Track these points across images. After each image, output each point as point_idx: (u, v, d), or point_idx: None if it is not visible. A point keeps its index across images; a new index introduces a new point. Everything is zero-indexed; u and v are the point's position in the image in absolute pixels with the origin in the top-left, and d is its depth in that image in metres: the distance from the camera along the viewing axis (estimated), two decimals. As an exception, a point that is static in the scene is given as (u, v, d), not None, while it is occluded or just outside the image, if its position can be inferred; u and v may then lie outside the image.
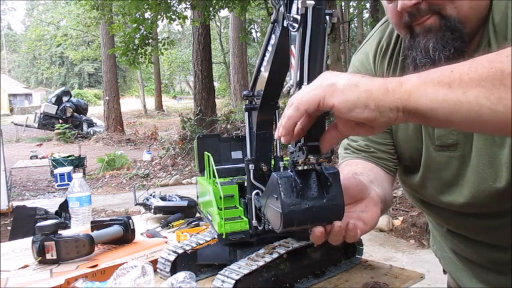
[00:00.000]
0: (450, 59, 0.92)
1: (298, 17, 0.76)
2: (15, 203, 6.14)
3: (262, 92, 1.06)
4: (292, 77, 0.79)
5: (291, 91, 0.79)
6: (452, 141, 1.02)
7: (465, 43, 0.93)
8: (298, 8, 0.75)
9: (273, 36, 0.94)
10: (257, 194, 1.12)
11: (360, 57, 1.19)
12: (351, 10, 15.64)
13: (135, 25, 9.31)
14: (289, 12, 0.80)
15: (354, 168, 1.11)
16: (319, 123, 0.77)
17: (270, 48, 0.97)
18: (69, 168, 8.65)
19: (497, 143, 0.96)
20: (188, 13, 10.34)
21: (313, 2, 0.74)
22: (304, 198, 0.77)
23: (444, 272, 1.37)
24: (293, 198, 0.76)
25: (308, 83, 0.76)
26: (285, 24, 0.84)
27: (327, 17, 0.77)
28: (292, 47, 0.78)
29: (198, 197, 1.44)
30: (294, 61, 0.78)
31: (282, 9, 0.85)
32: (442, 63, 0.92)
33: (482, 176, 0.99)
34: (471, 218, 1.07)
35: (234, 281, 1.02)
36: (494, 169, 0.97)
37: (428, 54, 0.94)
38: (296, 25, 0.76)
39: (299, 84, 0.77)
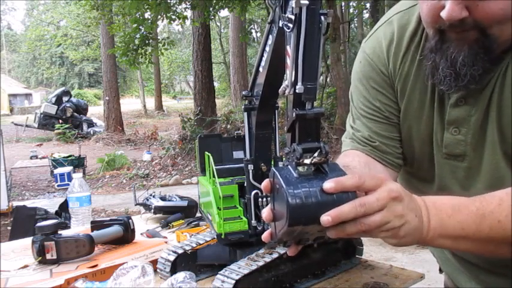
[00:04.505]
0: (474, 79, 0.89)
1: (293, 17, 0.75)
2: (15, 203, 6.15)
3: (261, 92, 1.06)
4: (287, 77, 0.79)
5: (286, 91, 0.79)
6: (459, 152, 1.01)
7: (492, 66, 0.90)
8: (292, 8, 0.75)
9: (270, 36, 0.95)
10: (256, 194, 1.12)
11: (371, 44, 1.12)
12: (351, 10, 15.62)
13: (135, 25, 9.32)
14: (285, 13, 0.80)
15: (350, 160, 1.07)
16: (314, 123, 0.77)
17: (267, 48, 0.97)
18: (69, 168, 8.64)
19: (510, 158, 0.95)
20: (188, 13, 10.35)
21: (307, 2, 0.74)
22: (306, 182, 0.74)
23: (440, 271, 1.36)
24: (296, 185, 0.73)
25: (303, 83, 0.75)
26: (280, 25, 0.84)
27: (322, 17, 0.76)
28: (288, 47, 0.78)
29: (199, 197, 1.44)
30: (289, 61, 0.78)
31: (278, 9, 0.85)
32: (466, 80, 0.89)
33: (491, 190, 0.96)
34: None
35: (234, 281, 1.02)
36: (505, 184, 0.93)
37: (454, 66, 0.89)
38: (291, 25, 0.76)
39: (294, 84, 0.77)
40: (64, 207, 4.11)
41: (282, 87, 0.80)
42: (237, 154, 1.33)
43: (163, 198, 1.91)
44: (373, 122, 1.11)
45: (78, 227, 1.80)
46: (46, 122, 17.23)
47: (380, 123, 1.11)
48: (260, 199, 1.14)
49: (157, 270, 1.21)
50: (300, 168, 0.77)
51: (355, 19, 16.06)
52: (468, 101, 0.97)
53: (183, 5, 10.02)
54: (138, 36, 9.50)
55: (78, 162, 9.63)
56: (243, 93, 1.14)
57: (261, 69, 1.03)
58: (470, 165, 1.00)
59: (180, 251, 1.21)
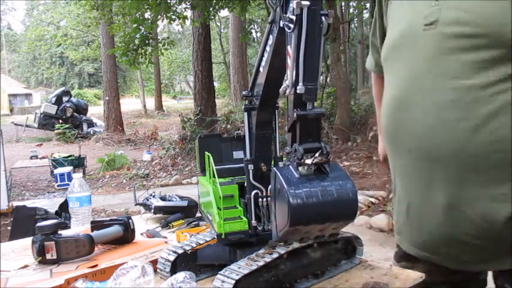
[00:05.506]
0: None
1: (294, 18, 0.75)
2: (15, 203, 6.14)
3: (261, 92, 1.06)
4: (288, 77, 0.79)
5: (287, 91, 0.79)
6: (433, 19, 1.11)
7: None
8: (293, 9, 0.75)
9: (270, 36, 0.95)
10: (256, 194, 1.12)
11: None
12: (351, 10, 15.62)
13: (135, 25, 9.30)
14: (286, 13, 0.80)
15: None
16: (315, 124, 0.77)
17: (268, 48, 0.97)
18: (69, 168, 8.64)
19: None
20: (188, 13, 10.34)
21: (308, 3, 0.74)
22: (307, 182, 0.75)
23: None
24: (297, 185, 0.74)
25: (304, 84, 0.76)
26: (281, 25, 0.84)
27: (323, 18, 0.76)
28: (289, 47, 0.78)
29: (199, 197, 1.44)
30: (290, 61, 0.78)
31: (279, 9, 0.85)
32: None
33: None
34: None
35: (234, 281, 1.02)
36: None
37: None
38: (292, 25, 0.76)
39: (295, 85, 0.77)
40: (64, 207, 4.10)
41: (282, 87, 0.81)
42: (237, 154, 1.33)
43: (163, 198, 1.91)
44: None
45: (78, 227, 1.80)
46: (46, 122, 17.22)
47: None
48: (260, 199, 1.14)
49: (157, 270, 1.21)
50: (301, 169, 0.77)
51: (355, 19, 16.04)
52: None
53: (183, 5, 10.02)
54: (138, 36, 9.49)
55: (78, 162, 9.62)
56: (243, 93, 1.14)
57: (261, 69, 1.03)
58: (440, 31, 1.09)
59: (180, 251, 1.21)
